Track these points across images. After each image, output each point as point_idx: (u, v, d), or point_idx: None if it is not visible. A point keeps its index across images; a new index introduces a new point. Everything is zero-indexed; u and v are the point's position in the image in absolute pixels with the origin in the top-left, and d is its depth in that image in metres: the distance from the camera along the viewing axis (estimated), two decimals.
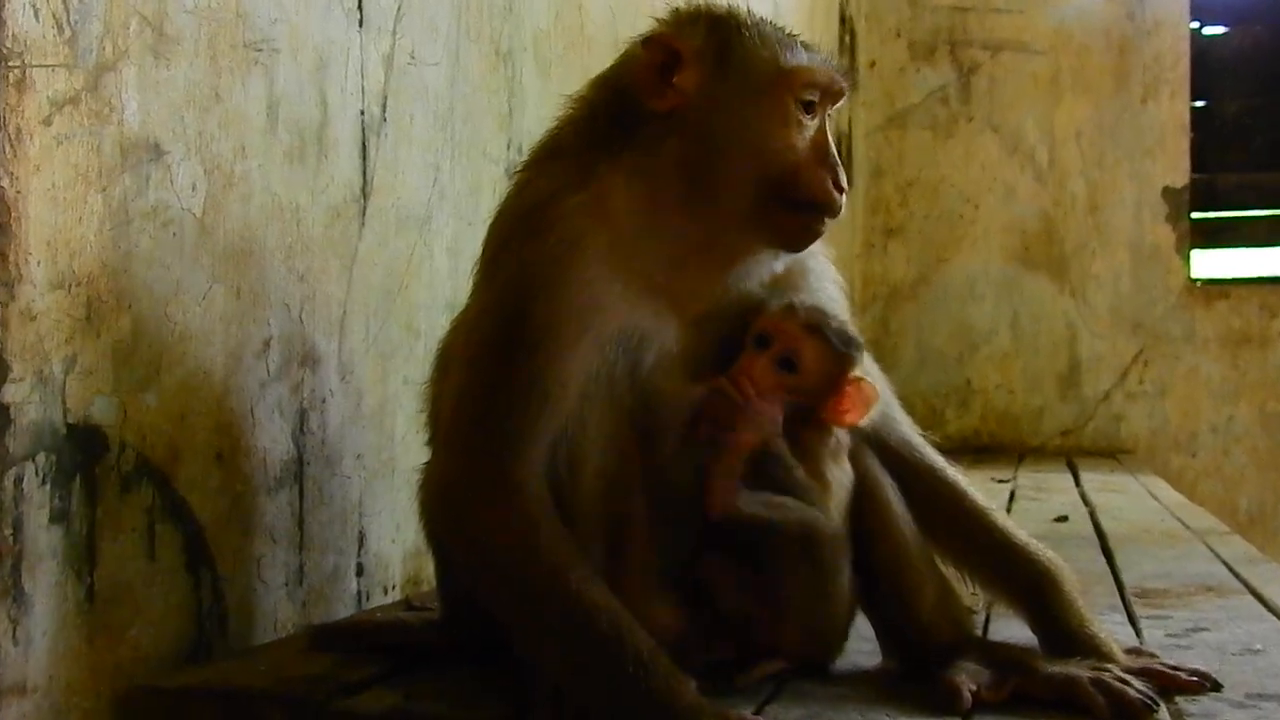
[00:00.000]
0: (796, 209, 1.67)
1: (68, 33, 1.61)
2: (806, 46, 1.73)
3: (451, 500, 1.62)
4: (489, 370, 1.63)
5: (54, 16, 1.59)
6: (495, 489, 1.57)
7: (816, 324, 1.75)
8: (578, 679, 1.51)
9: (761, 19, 1.74)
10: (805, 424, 1.76)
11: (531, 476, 1.58)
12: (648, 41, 1.70)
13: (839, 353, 1.75)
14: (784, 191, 1.66)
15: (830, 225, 1.71)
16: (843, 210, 1.69)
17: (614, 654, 1.48)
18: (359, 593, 2.29)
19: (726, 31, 1.70)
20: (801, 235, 1.71)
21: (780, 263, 1.78)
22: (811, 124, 1.70)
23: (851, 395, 1.75)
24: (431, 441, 1.84)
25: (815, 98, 1.70)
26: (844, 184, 1.68)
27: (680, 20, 1.74)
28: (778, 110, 1.67)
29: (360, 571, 2.30)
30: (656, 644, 1.50)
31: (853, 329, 1.79)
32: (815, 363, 1.74)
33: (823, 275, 1.87)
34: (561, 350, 1.60)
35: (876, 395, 1.77)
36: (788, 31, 1.75)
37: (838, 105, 1.74)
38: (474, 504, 1.58)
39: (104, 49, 1.67)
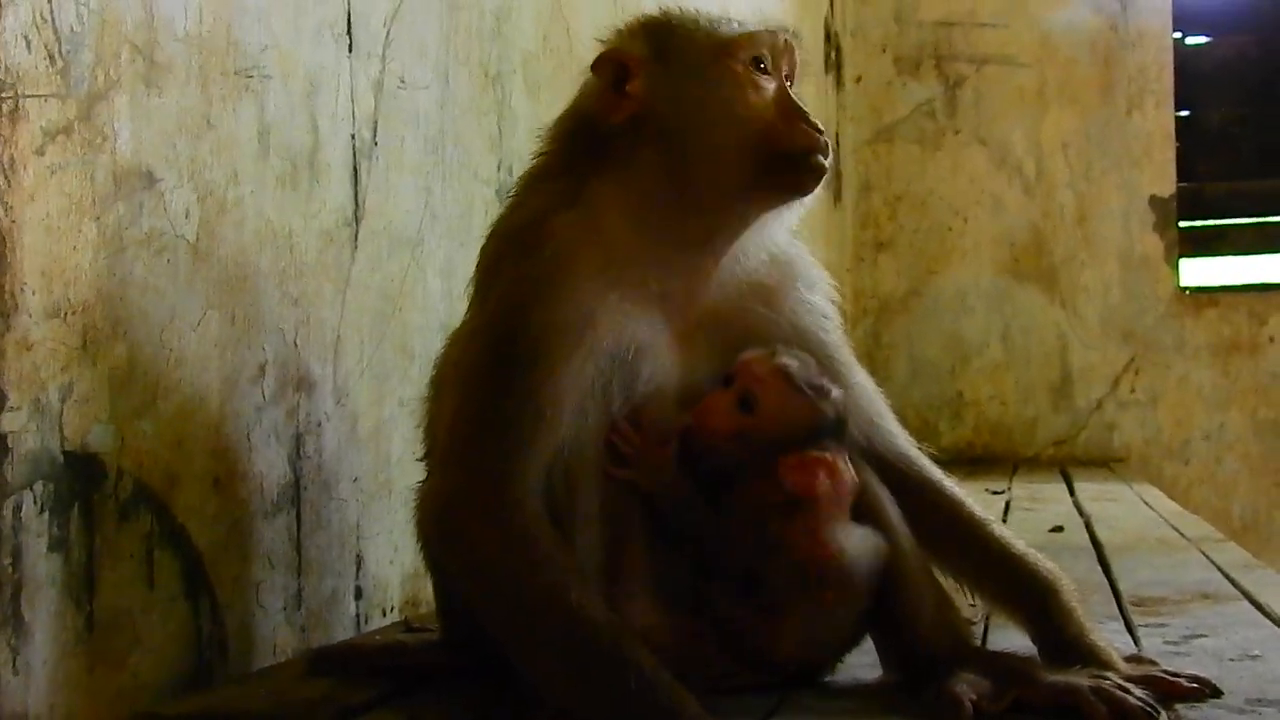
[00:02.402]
0: (788, 160, 1.71)
1: (60, 63, 1.62)
2: (743, 25, 1.78)
3: (449, 519, 1.63)
4: (484, 388, 1.64)
5: (46, 47, 1.59)
6: (493, 506, 1.57)
7: (784, 369, 1.72)
8: (579, 696, 1.51)
9: (697, 10, 1.79)
10: (761, 476, 1.72)
11: (529, 493, 1.58)
12: (596, 63, 1.77)
13: (801, 397, 1.72)
14: (769, 146, 1.70)
15: (828, 164, 1.74)
16: (829, 153, 1.73)
17: (617, 670, 1.48)
18: (358, 616, 2.29)
19: (662, 28, 1.77)
20: (804, 178, 1.74)
21: (779, 237, 1.83)
22: (769, 84, 1.74)
23: (806, 465, 1.70)
24: (427, 459, 1.84)
25: (764, 59, 1.74)
26: (819, 126, 1.72)
27: (622, 35, 1.80)
28: (728, 78, 1.72)
29: (359, 594, 2.30)
30: (658, 659, 1.51)
31: (827, 382, 1.75)
32: (774, 405, 1.71)
33: (814, 282, 1.88)
34: (556, 364, 1.61)
35: (837, 473, 1.71)
36: (724, 16, 1.80)
37: (793, 64, 1.78)
38: (472, 522, 1.58)
39: (96, 78, 1.67)
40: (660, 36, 1.76)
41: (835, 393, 1.76)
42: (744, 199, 1.73)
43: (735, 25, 1.76)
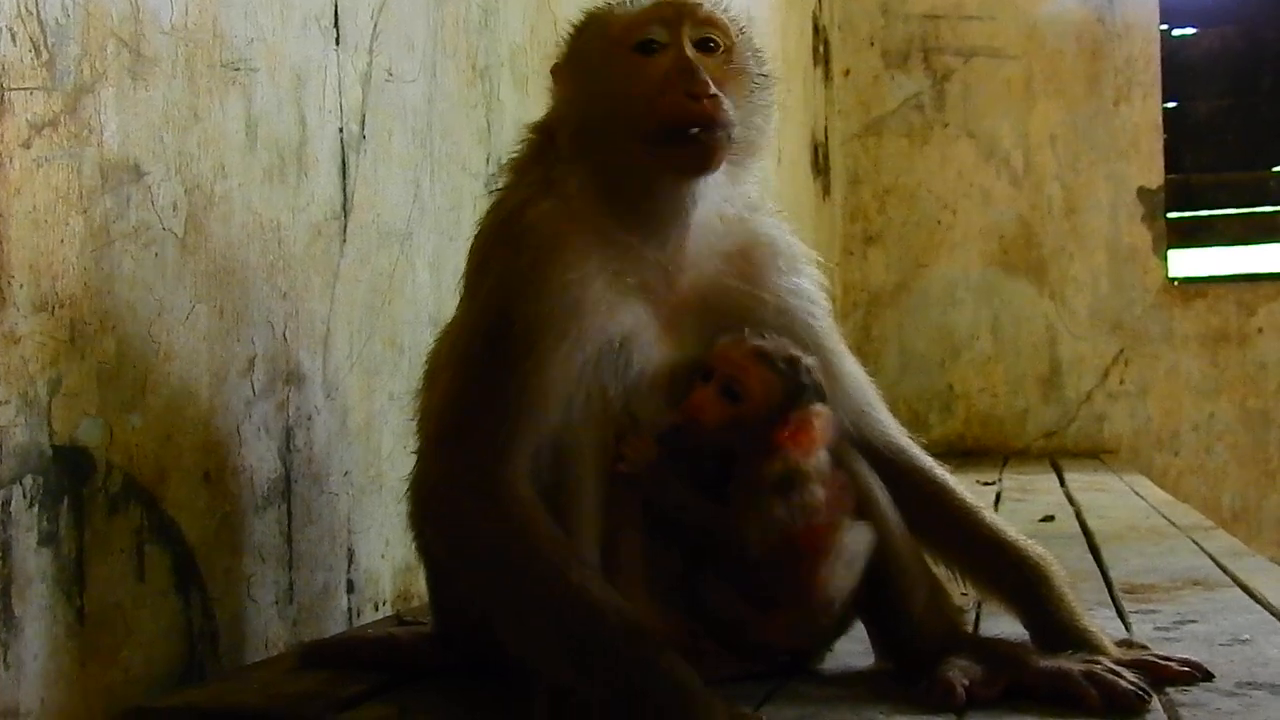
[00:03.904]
0: (669, 138, 1.69)
1: (45, 55, 1.61)
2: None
3: (440, 502, 1.64)
4: (474, 377, 1.66)
5: (31, 40, 1.59)
6: (485, 488, 1.58)
7: (759, 350, 1.73)
8: (585, 675, 1.49)
9: (614, 4, 1.81)
10: (760, 455, 1.72)
11: (519, 479, 1.59)
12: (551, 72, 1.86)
13: (783, 378, 1.73)
14: (648, 126, 1.70)
15: (721, 137, 1.69)
16: (718, 114, 1.68)
17: (624, 647, 1.48)
18: (349, 609, 2.29)
19: (577, 32, 1.84)
20: (690, 157, 1.70)
21: (759, 216, 1.85)
22: (661, 59, 1.72)
23: (800, 424, 1.72)
24: (419, 450, 1.84)
25: (656, 35, 1.74)
26: (700, 90, 1.68)
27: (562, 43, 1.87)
28: (615, 67, 1.75)
29: (350, 588, 2.29)
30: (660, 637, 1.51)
31: (799, 353, 1.76)
32: (758, 389, 1.72)
33: (798, 264, 1.86)
34: (544, 355, 1.63)
35: (828, 425, 1.74)
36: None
37: (702, 20, 1.75)
38: (463, 504, 1.59)
39: (82, 71, 1.67)
40: (573, 40, 1.83)
41: (808, 360, 1.76)
42: (655, 180, 1.74)
43: (629, 3, 1.79)
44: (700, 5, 1.76)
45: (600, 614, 1.50)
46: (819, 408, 1.74)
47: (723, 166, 1.74)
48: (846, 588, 1.74)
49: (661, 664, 1.47)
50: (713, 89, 1.69)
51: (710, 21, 1.76)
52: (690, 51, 1.73)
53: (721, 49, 1.75)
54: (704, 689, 1.47)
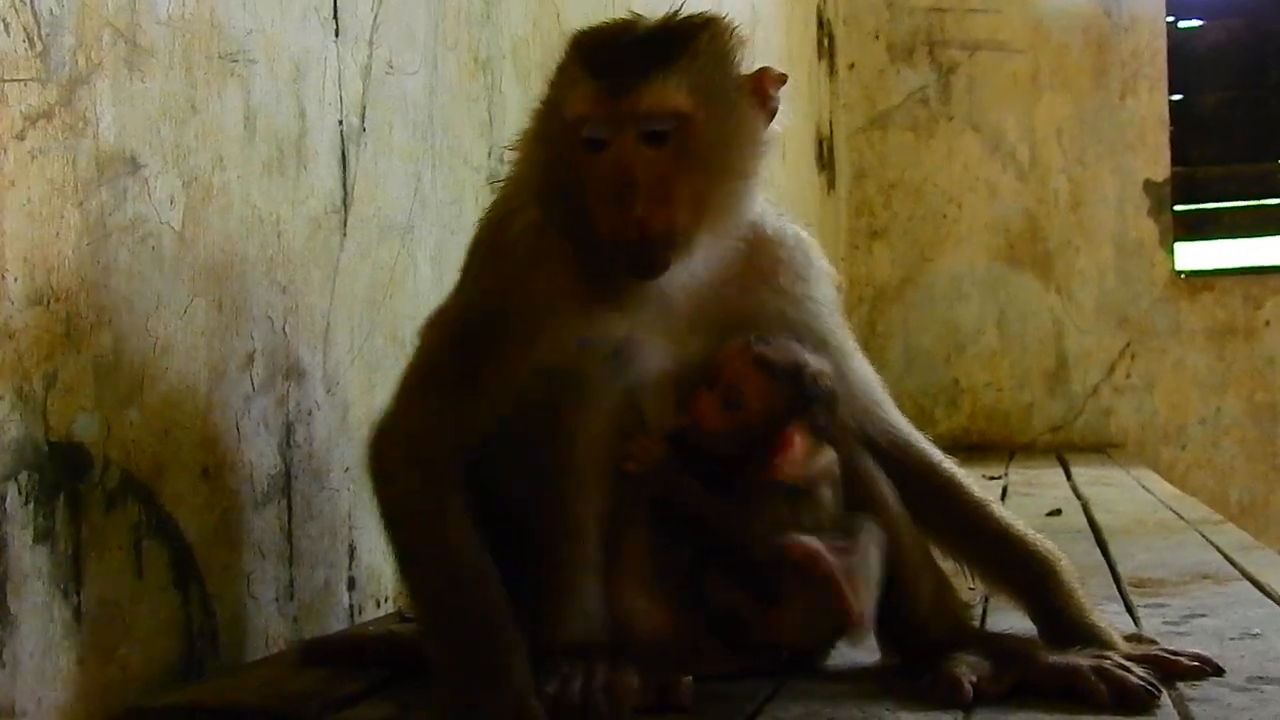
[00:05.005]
0: (610, 250, 1.61)
1: (39, 46, 1.59)
2: (600, 62, 1.63)
3: (383, 449, 1.72)
4: (438, 354, 1.75)
5: (24, 30, 1.57)
6: (419, 458, 1.67)
7: (761, 358, 1.71)
8: (430, 637, 1.62)
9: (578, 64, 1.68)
10: (763, 461, 1.71)
11: (453, 461, 1.65)
12: None
13: (784, 387, 1.70)
14: (593, 232, 1.61)
15: (655, 251, 1.60)
16: (646, 232, 1.58)
17: (475, 633, 1.55)
18: (351, 606, 2.27)
19: (548, 89, 1.72)
20: (633, 268, 1.63)
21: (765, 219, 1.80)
22: (605, 158, 1.61)
23: (782, 443, 1.69)
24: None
25: (599, 134, 1.61)
26: (621, 218, 1.58)
27: None
28: (567, 156, 1.64)
29: (351, 585, 2.28)
30: (521, 640, 1.56)
31: (806, 359, 1.73)
32: (759, 400, 1.70)
33: (805, 263, 1.82)
34: (510, 350, 1.68)
35: (807, 448, 1.70)
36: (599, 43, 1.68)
37: (635, 120, 1.60)
38: (399, 461, 1.69)
39: (77, 62, 1.65)
40: (543, 99, 1.72)
41: (814, 365, 1.73)
42: (609, 269, 1.65)
43: (587, 77, 1.62)
44: (641, 97, 1.59)
45: (476, 604, 1.58)
46: (799, 430, 1.70)
47: (692, 244, 1.64)
48: (874, 586, 1.71)
49: (496, 647, 1.54)
50: (638, 209, 1.57)
51: (652, 114, 1.59)
52: (632, 150, 1.59)
53: (674, 134, 1.60)
54: (528, 684, 1.51)
